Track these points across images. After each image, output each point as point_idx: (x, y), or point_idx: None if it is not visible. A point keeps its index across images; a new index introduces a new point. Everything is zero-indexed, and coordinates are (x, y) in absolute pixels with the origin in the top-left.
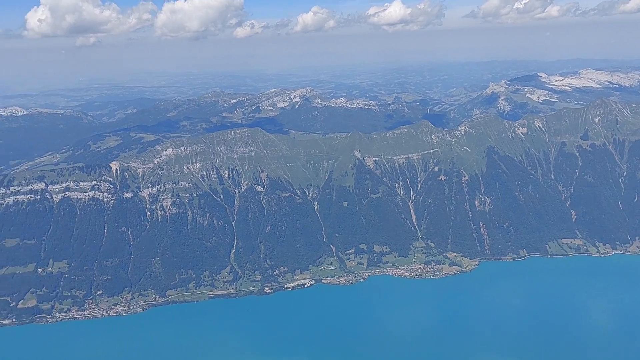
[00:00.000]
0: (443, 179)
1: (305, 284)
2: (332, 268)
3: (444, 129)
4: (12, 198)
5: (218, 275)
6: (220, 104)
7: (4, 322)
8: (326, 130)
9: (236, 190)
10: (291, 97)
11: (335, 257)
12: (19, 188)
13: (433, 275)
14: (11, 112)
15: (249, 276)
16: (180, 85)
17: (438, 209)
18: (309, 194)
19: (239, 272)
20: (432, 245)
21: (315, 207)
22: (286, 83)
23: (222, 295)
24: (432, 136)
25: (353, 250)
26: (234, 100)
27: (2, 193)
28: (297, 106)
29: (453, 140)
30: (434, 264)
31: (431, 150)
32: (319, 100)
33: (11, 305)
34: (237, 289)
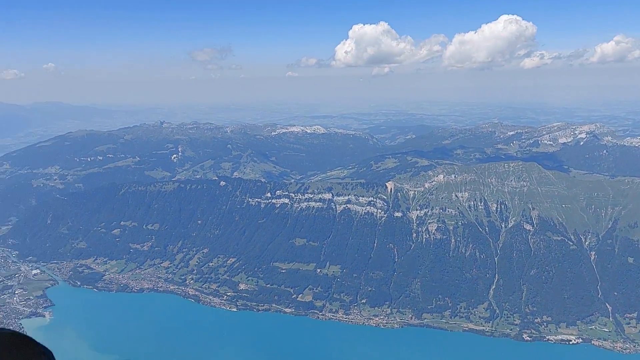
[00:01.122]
0: None
1: (571, 341)
2: (606, 330)
3: None
4: (305, 204)
5: (474, 309)
6: (497, 135)
7: (285, 310)
8: (615, 173)
9: (502, 225)
10: (576, 132)
11: (611, 319)
12: (312, 195)
13: None
14: (314, 130)
15: (507, 317)
16: (458, 115)
17: None
18: (585, 241)
19: (497, 311)
20: None
21: (592, 258)
22: (572, 117)
23: (477, 330)
24: None
25: (635, 315)
26: (511, 132)
27: (299, 198)
28: (581, 143)
29: None
30: None
31: None
32: (609, 138)
33: (292, 296)
34: (493, 328)
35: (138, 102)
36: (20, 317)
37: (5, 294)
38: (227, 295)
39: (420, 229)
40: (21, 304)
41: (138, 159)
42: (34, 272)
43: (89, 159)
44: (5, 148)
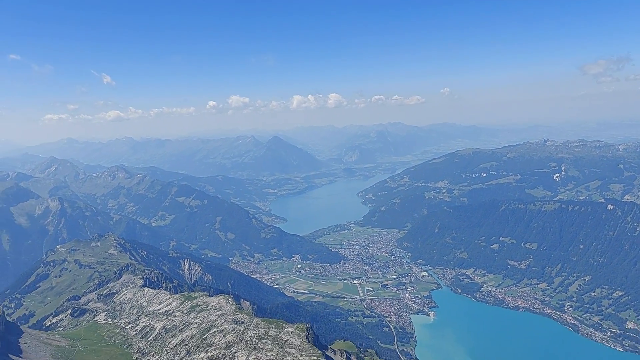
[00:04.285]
0: None
1: None
2: None
3: None
4: None
5: None
6: None
7: None
8: None
9: None
10: None
11: None
12: None
13: None
14: None
15: None
16: None
17: None
18: None
19: None
20: None
21: None
22: None
23: None
24: None
25: None
26: None
27: None
28: None
29: None
30: None
31: None
32: None
33: None
34: None
35: (521, 121)
36: (410, 312)
37: (400, 289)
38: (611, 332)
39: None
40: (411, 301)
41: (519, 176)
42: (423, 274)
43: (473, 175)
44: (406, 164)
